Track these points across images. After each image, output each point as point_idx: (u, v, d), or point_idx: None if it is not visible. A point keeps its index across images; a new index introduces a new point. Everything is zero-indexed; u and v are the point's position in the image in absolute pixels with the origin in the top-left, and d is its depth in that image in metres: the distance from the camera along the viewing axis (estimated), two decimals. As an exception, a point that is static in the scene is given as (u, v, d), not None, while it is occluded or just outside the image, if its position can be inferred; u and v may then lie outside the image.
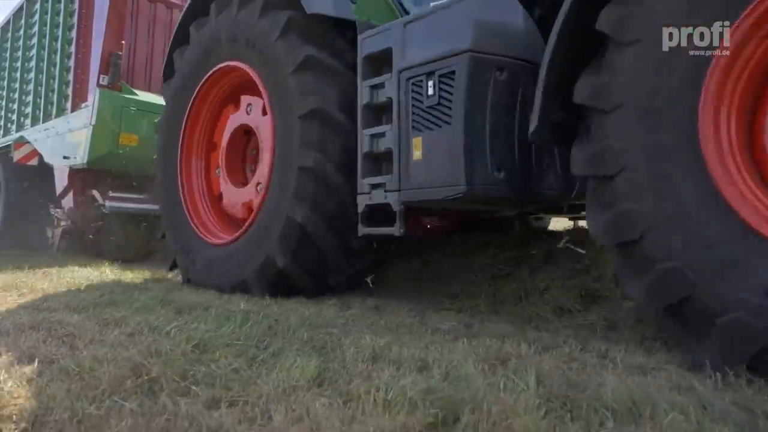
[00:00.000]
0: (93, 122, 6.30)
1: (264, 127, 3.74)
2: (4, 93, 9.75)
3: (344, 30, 3.39)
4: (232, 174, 4.19)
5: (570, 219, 4.47)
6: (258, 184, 3.75)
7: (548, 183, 2.81)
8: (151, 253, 6.78)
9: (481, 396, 1.44)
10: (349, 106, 3.19)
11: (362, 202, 3.06)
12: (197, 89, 4.20)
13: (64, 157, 6.92)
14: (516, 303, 3.03)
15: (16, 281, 3.95)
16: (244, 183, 4.13)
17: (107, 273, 4.75)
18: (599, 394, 1.48)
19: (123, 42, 6.46)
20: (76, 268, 4.80)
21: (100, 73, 6.30)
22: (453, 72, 2.62)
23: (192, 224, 4.13)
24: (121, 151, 6.47)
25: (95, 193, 6.57)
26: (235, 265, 3.54)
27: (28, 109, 8.82)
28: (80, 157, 6.52)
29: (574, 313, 2.78)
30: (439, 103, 2.68)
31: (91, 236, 6.48)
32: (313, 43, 3.32)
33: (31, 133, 8.41)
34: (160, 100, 6.73)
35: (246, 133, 4.17)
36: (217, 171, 4.30)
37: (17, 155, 8.53)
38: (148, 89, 7.05)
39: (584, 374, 1.72)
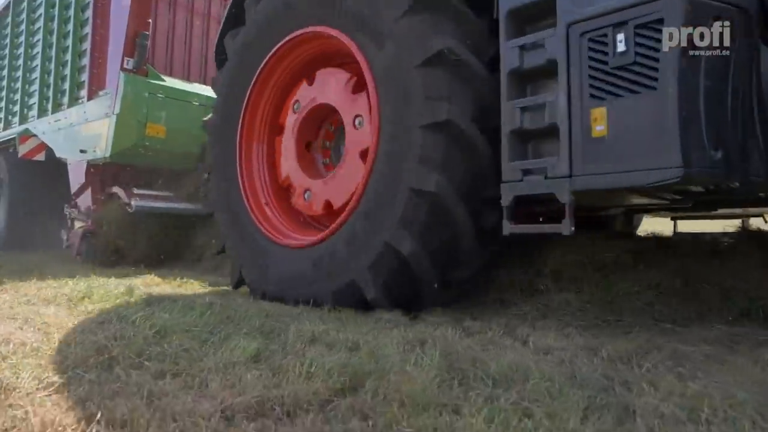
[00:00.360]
0: (116, 110, 5.61)
1: (354, 107, 3.12)
2: (5, 83, 8.99)
3: (480, 11, 2.74)
4: (303, 162, 3.57)
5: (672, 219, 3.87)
6: (344, 169, 3.16)
7: (754, 168, 2.22)
8: (180, 258, 6.11)
9: (388, 368, 1.70)
10: (485, 119, 2.60)
11: (509, 192, 2.44)
12: (261, 68, 3.56)
13: (81, 151, 6.22)
14: (461, 296, 3.11)
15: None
16: (314, 172, 3.54)
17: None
18: (488, 366, 1.73)
19: (150, 21, 5.77)
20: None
21: (124, 55, 5.61)
22: (660, 20, 2.01)
23: (259, 226, 3.49)
24: (147, 143, 5.80)
25: (118, 190, 5.88)
26: (337, 265, 2.90)
27: (33, 100, 8.09)
28: (101, 151, 5.83)
29: (510, 305, 2.98)
30: (635, 62, 2.07)
31: (115, 239, 5.80)
32: (449, 29, 2.67)
33: (37, 126, 7.69)
34: (188, 87, 6.08)
35: (321, 114, 3.54)
36: (285, 161, 3.67)
37: (22, 150, 7.80)
38: (170, 75, 6.37)
39: (491, 353, 1.90)
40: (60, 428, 1.29)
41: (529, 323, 2.50)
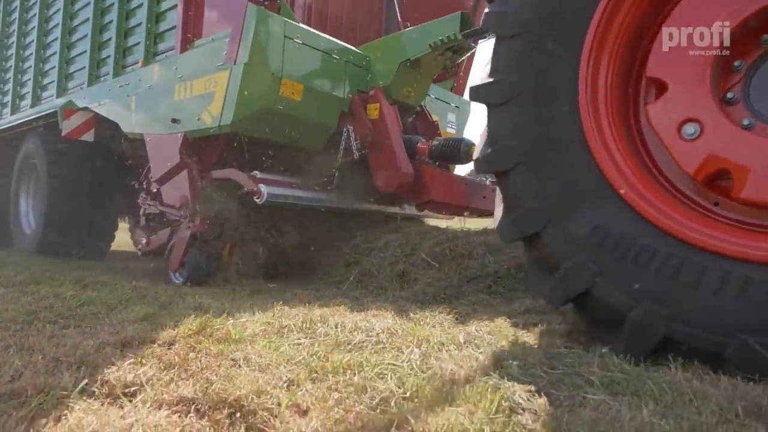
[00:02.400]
0: (242, 59, 3.91)
1: None
2: (32, 52, 7.21)
3: None
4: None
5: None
6: None
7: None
8: (311, 271, 4.41)
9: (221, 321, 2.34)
10: None
11: None
12: None
13: (173, 121, 4.50)
14: (342, 282, 3.96)
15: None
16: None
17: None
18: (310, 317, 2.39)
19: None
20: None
21: (250, -17, 3.93)
22: None
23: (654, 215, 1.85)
24: (281, 107, 4.11)
25: (235, 174, 4.18)
26: None
27: (77, 66, 6.35)
28: (212, 118, 4.12)
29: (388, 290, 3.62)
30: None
31: (236, 246, 4.08)
32: None
33: (87, 95, 5.93)
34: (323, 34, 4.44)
35: None
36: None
37: (67, 127, 6.03)
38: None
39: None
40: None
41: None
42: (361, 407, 1.39)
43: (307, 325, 2.30)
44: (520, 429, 1.24)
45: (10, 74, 7.96)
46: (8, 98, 8.05)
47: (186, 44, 4.57)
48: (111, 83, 5.52)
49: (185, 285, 3.84)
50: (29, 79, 7.35)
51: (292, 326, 2.28)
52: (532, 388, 1.47)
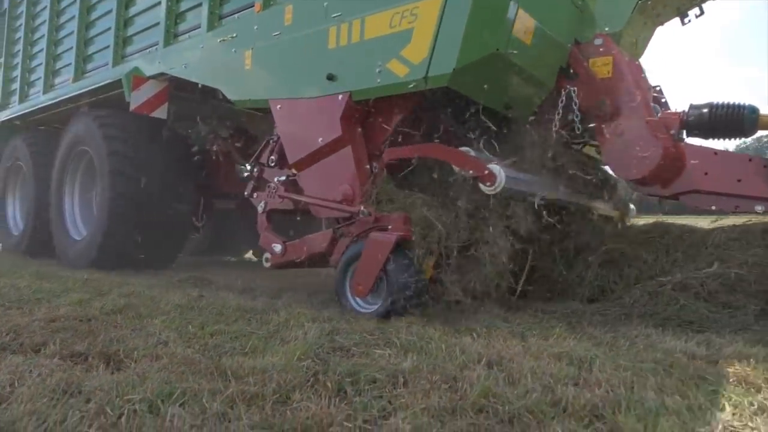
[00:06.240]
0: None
1: None
2: (74, 14, 5.83)
3: None
4: None
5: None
6: None
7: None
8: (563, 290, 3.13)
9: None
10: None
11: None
12: None
13: (329, 78, 3.14)
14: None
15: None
16: None
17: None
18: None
19: None
20: None
21: None
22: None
23: None
24: (514, 51, 2.79)
25: (446, 152, 2.84)
26: None
27: (135, 29, 5.02)
28: (415, 68, 2.76)
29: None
30: None
31: (449, 256, 2.72)
32: None
33: (163, 58, 4.56)
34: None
35: None
36: None
37: (136, 100, 4.65)
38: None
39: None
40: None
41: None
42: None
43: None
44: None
45: (42, 46, 6.55)
46: (37, 75, 6.65)
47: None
48: (203, 38, 4.16)
49: (373, 315, 2.55)
50: (70, 49, 5.94)
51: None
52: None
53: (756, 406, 1.43)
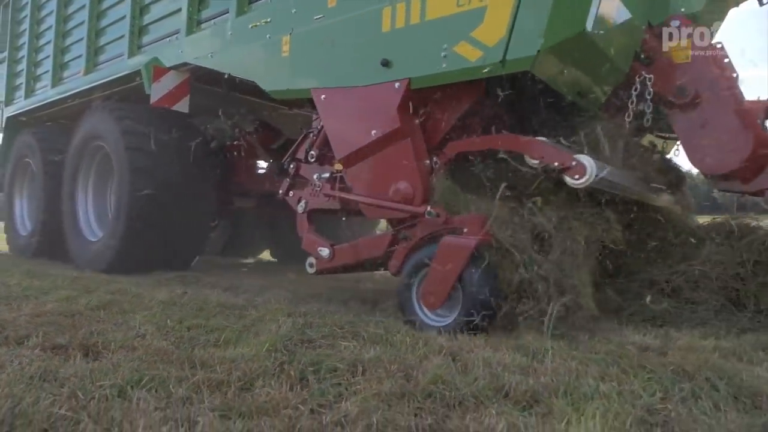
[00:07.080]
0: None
1: None
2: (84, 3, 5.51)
3: None
4: None
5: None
6: None
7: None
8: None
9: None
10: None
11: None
12: None
13: (383, 64, 2.85)
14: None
15: None
16: None
17: None
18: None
19: None
20: None
21: None
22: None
23: None
24: (600, 32, 2.51)
25: (523, 144, 2.55)
26: None
27: (152, 16, 4.73)
28: (489, 51, 2.48)
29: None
30: None
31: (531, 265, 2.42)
32: None
33: (185, 47, 4.25)
34: None
35: None
36: None
37: (157, 92, 4.34)
38: None
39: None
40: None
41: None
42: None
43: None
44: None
45: (49, 38, 6.21)
46: (45, 69, 6.31)
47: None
48: (232, 24, 3.86)
49: (446, 329, 2.25)
50: (80, 40, 5.61)
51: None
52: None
53: (684, 392, 1.50)
